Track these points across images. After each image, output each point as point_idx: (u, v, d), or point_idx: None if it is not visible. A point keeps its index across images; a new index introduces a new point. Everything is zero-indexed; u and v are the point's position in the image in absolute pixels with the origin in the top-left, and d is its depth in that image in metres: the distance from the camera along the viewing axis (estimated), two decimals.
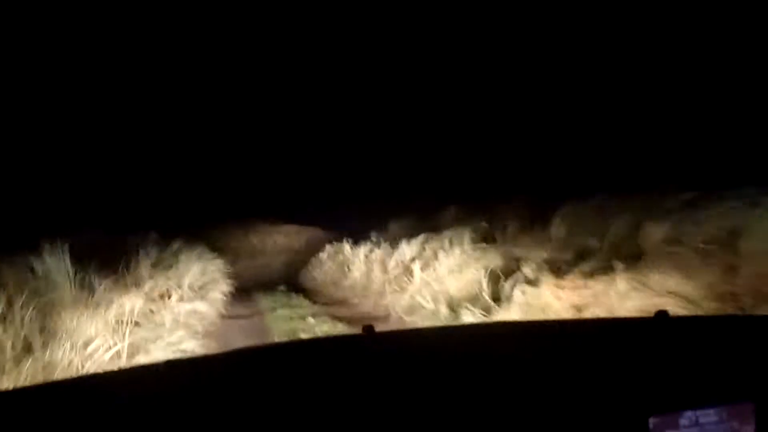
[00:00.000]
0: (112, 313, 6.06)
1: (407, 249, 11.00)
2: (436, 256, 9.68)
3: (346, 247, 14.28)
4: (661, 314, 1.66)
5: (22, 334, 4.91)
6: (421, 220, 12.58)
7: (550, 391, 1.19)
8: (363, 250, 13.24)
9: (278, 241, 19.10)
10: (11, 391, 2.56)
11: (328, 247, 15.81)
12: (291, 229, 19.17)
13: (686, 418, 1.14)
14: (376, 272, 11.57)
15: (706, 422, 1.15)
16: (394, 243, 11.87)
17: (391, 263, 11.09)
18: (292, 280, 15.74)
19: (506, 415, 1.13)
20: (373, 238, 13.42)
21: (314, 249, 17.02)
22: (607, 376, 1.25)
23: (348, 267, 13.37)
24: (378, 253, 12.31)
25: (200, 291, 9.46)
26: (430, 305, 8.11)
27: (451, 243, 9.72)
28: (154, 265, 8.70)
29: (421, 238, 11.07)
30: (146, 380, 1.48)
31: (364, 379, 1.33)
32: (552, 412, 1.14)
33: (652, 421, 1.12)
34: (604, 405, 1.15)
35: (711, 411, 1.15)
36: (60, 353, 4.90)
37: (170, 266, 9.13)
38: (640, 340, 1.57)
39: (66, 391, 1.47)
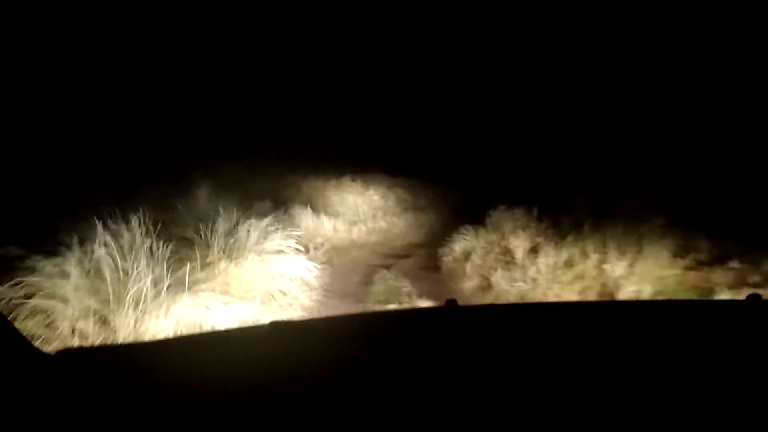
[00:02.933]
0: None
1: None
2: None
3: None
4: (754, 297, 1.58)
5: None
6: None
7: (640, 367, 1.16)
8: None
9: None
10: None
11: None
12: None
13: None
14: None
15: None
16: None
17: None
18: None
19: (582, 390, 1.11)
20: None
21: None
22: (702, 358, 1.22)
23: None
24: None
25: None
26: None
27: None
28: None
29: None
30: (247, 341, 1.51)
31: (445, 351, 1.32)
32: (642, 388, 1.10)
33: None
34: (731, 380, 1.12)
35: None
36: None
37: None
38: (735, 322, 1.49)
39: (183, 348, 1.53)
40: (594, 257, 6.83)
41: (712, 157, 8.41)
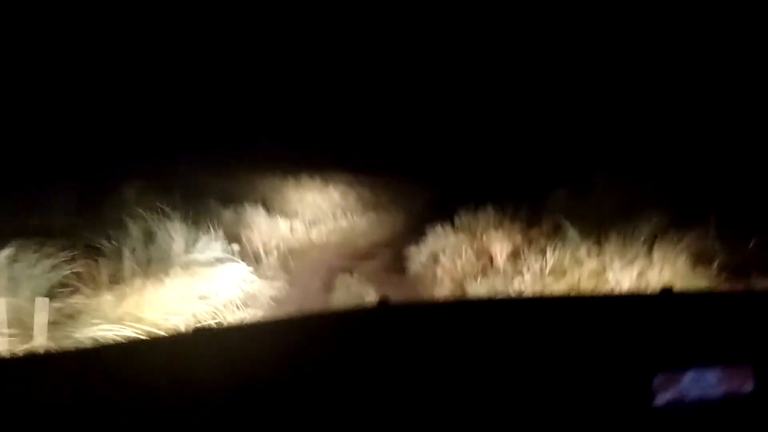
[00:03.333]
0: None
1: None
2: None
3: None
4: (666, 291, 1.66)
5: None
6: None
7: (565, 355, 1.26)
8: None
9: None
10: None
11: None
12: None
13: (688, 376, 1.22)
14: None
15: (707, 381, 1.23)
16: None
17: None
18: None
19: (518, 381, 1.19)
20: None
21: None
22: (617, 341, 1.33)
23: None
24: None
25: None
26: None
27: None
28: None
29: None
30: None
31: (378, 350, 1.33)
32: (564, 374, 1.21)
33: (656, 378, 1.20)
34: (613, 365, 1.25)
35: (712, 371, 1.23)
36: None
37: None
38: (647, 310, 1.61)
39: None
40: (590, 263, 5.89)
41: (705, 152, 7.76)
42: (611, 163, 8.42)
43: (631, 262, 5.51)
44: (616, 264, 5.58)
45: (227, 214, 8.56)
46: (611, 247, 5.93)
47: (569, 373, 1.21)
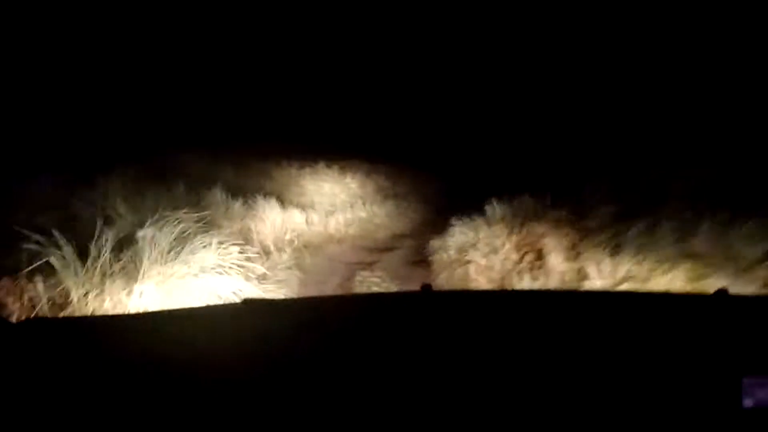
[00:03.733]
0: None
1: None
2: None
3: None
4: (721, 292, 1.63)
5: None
6: None
7: (610, 358, 1.17)
8: None
9: None
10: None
11: None
12: None
13: None
14: None
15: None
16: None
17: None
18: None
19: (594, 378, 1.11)
20: None
21: None
22: (701, 343, 1.27)
23: None
24: None
25: None
26: None
27: None
28: None
29: None
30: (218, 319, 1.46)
31: (420, 335, 1.29)
32: (646, 375, 1.13)
33: (745, 381, 1.13)
34: (700, 367, 1.17)
35: None
36: None
37: None
38: (702, 315, 1.54)
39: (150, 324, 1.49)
40: (684, 268, 4.39)
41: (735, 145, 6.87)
42: (644, 153, 7.54)
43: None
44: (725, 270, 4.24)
45: (236, 208, 7.83)
46: (702, 248, 4.66)
47: (653, 374, 1.15)
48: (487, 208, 7.35)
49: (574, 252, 5.43)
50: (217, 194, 7.59)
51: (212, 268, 4.31)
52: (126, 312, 3.70)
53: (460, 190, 12.90)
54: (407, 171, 15.98)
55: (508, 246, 5.82)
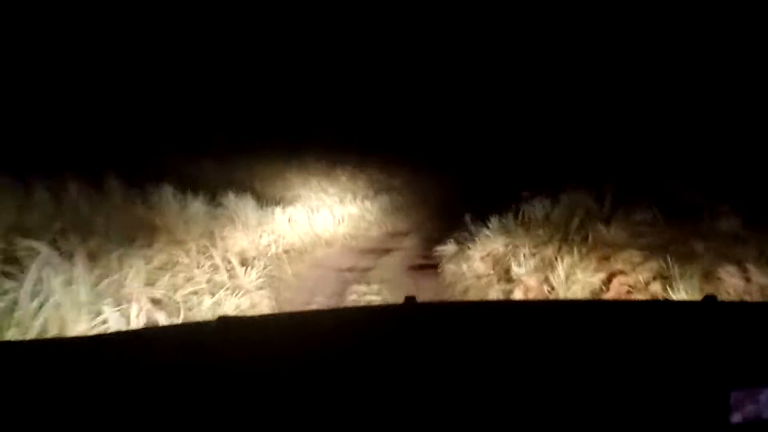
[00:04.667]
0: None
1: None
2: None
3: None
4: (709, 298, 1.54)
5: None
6: None
7: (597, 367, 1.15)
8: None
9: None
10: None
11: None
12: None
13: (766, 394, 1.11)
14: None
15: None
16: None
17: None
18: None
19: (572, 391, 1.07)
20: None
21: None
22: (660, 357, 1.21)
23: None
24: None
25: None
26: None
27: None
28: None
29: None
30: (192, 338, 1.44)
31: (403, 348, 1.27)
32: (630, 386, 1.10)
33: (733, 395, 1.08)
34: (687, 378, 1.13)
35: None
36: None
37: None
38: (690, 322, 1.48)
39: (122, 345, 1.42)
40: None
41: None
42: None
43: None
44: None
45: (197, 208, 6.07)
46: None
47: (638, 387, 1.06)
48: (521, 205, 5.53)
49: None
50: (169, 192, 5.81)
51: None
52: None
53: (474, 178, 11.32)
54: (404, 159, 14.68)
55: (569, 260, 3.99)
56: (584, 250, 4.15)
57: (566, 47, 11.34)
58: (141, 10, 11.04)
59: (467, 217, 6.33)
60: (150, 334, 1.72)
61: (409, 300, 1.48)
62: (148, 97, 11.25)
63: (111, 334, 2.62)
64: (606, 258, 3.97)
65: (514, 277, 4.33)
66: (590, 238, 4.22)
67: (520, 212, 5.60)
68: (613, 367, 1.12)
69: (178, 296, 3.44)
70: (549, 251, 4.33)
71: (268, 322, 1.68)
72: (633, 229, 4.16)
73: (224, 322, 1.37)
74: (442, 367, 1.11)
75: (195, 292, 3.63)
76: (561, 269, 4.20)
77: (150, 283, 3.49)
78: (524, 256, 4.54)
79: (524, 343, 1.26)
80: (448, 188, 13.68)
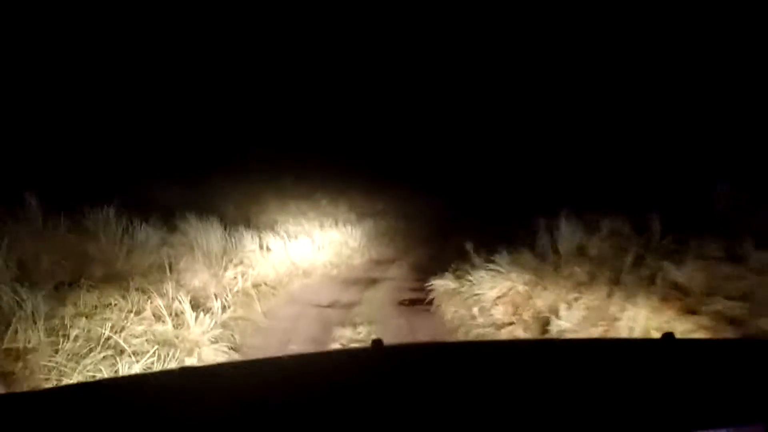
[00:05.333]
0: None
1: None
2: None
3: None
4: (668, 336, 1.49)
5: None
6: None
7: (560, 408, 1.11)
8: None
9: None
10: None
11: None
12: None
13: None
14: None
15: None
16: None
17: None
18: None
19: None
20: None
21: None
22: (619, 397, 1.16)
23: None
24: None
25: None
26: None
27: None
28: None
29: None
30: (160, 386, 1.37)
31: (371, 391, 1.24)
32: (561, 427, 1.05)
33: None
34: (616, 425, 1.06)
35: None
36: None
37: None
38: (650, 361, 1.43)
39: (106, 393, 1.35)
40: None
41: None
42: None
43: None
44: None
45: (146, 236, 4.99)
46: None
47: (597, 427, 1.02)
48: (538, 234, 4.46)
49: None
50: (110, 215, 4.73)
51: None
52: None
53: (455, 207, 10.51)
54: (386, 184, 13.78)
55: (636, 312, 2.77)
56: (654, 297, 3.12)
57: (565, 54, 10.89)
58: (117, 27, 10.34)
59: (468, 246, 5.36)
60: (108, 384, 1.68)
61: (376, 342, 1.45)
62: (110, 116, 10.32)
63: (68, 386, 2.22)
64: (690, 310, 2.94)
65: (554, 329, 3.25)
66: (658, 281, 3.17)
67: (537, 242, 4.63)
68: (571, 407, 1.09)
69: (88, 362, 2.41)
70: (595, 296, 3.33)
71: (228, 370, 1.61)
72: (711, 270, 3.17)
73: (186, 371, 1.37)
74: (409, 412, 1.08)
75: (114, 355, 2.57)
76: (629, 322, 3.12)
77: (52, 342, 2.46)
78: (566, 302, 3.42)
79: (488, 385, 1.23)
80: (439, 212, 12.84)
